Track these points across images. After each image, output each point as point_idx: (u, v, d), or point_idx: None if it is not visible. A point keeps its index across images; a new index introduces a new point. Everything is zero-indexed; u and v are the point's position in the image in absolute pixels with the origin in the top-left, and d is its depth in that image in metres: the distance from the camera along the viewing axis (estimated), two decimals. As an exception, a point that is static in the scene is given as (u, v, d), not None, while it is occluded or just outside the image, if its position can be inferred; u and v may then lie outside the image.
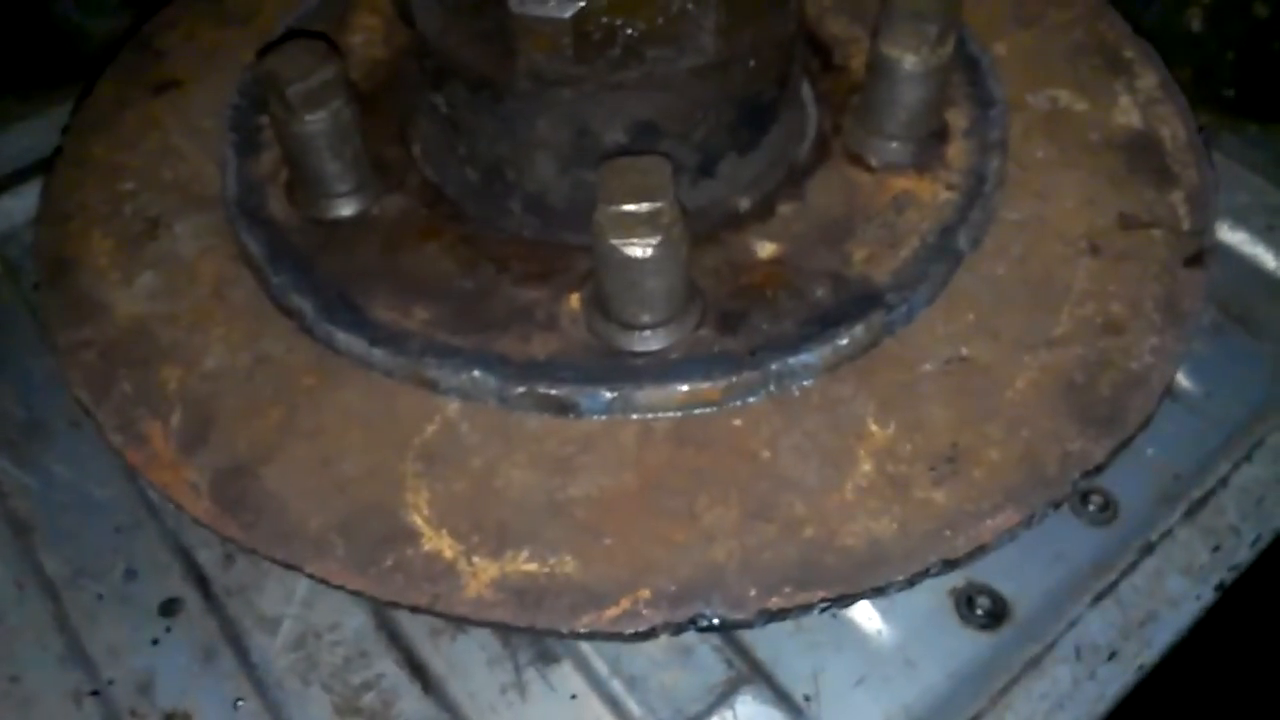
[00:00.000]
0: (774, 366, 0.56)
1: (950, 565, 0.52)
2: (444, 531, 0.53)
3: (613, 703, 0.58)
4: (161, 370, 0.60)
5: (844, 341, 0.57)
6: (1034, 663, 0.59)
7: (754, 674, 0.59)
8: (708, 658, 0.59)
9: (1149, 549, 0.63)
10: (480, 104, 0.60)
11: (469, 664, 0.59)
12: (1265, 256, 0.78)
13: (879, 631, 0.60)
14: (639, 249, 0.52)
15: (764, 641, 0.60)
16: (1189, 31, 0.88)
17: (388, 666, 0.59)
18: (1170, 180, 0.66)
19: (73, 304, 0.63)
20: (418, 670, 0.59)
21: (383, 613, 0.61)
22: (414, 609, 0.51)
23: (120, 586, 0.62)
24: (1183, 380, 0.70)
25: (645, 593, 0.51)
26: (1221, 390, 0.70)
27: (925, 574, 0.52)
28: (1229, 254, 0.78)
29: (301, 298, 0.60)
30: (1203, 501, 0.65)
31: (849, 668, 0.59)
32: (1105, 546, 0.63)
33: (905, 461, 0.55)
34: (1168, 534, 0.64)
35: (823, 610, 0.51)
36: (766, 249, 0.61)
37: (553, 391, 0.56)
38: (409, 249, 0.62)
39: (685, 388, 0.55)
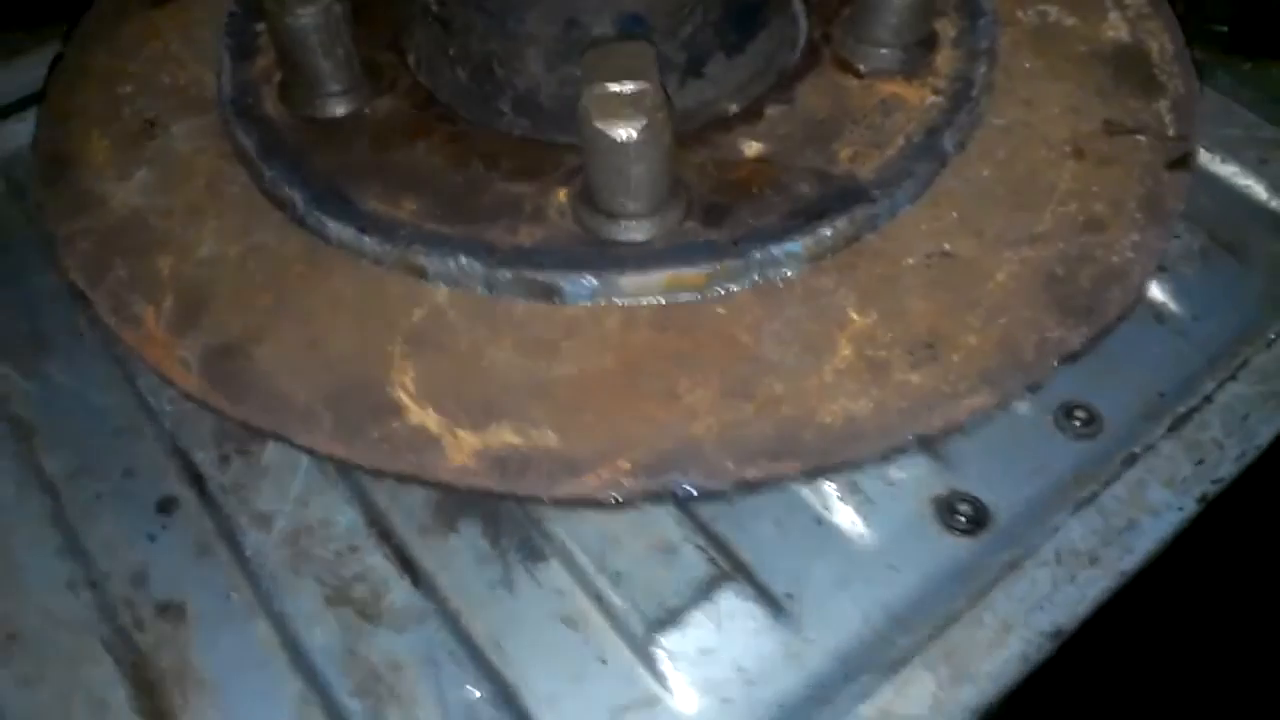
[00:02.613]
0: (757, 255, 0.57)
1: (925, 442, 0.52)
2: (429, 406, 0.54)
3: (597, 597, 0.58)
4: (156, 258, 0.60)
5: (827, 233, 0.58)
6: (1014, 565, 0.59)
7: (736, 572, 0.59)
8: (691, 556, 0.59)
9: (1131, 461, 0.63)
10: (470, -1, 0.61)
11: (458, 562, 0.59)
12: (1256, 189, 0.78)
13: (861, 536, 0.60)
14: (624, 130, 0.52)
15: (747, 542, 0.60)
16: (1182, -35, 0.89)
17: (378, 561, 0.59)
18: (1157, 89, 0.66)
19: (70, 197, 0.64)
20: (408, 565, 0.59)
21: (374, 510, 0.61)
22: (399, 477, 0.52)
23: (118, 485, 0.63)
24: (1171, 304, 0.70)
25: (624, 463, 0.51)
26: (1209, 314, 0.70)
27: (900, 450, 0.52)
28: (1221, 185, 0.78)
29: (293, 189, 0.60)
30: (1187, 417, 0.65)
31: (831, 570, 0.59)
32: (1088, 459, 0.63)
33: (884, 347, 0.55)
34: (1151, 447, 0.64)
35: (802, 480, 0.52)
36: (753, 148, 0.62)
37: (538, 277, 0.56)
38: (400, 146, 0.63)
39: (669, 273, 0.56)
